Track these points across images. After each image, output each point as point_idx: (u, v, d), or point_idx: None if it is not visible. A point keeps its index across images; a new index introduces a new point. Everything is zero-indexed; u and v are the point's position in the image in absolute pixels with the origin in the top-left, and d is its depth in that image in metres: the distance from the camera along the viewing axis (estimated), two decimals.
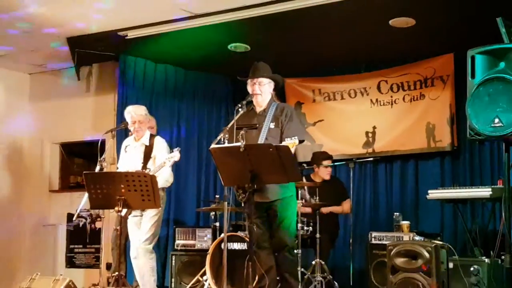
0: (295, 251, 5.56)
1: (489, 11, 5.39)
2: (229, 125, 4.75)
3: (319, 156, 7.02)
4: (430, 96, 7.30)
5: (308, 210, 6.54)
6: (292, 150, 4.46)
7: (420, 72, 7.36)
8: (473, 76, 3.94)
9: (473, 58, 3.94)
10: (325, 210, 6.66)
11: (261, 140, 4.79)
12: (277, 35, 6.76)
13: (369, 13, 6.09)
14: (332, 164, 6.96)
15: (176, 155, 5.47)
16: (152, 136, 5.89)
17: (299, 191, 6.27)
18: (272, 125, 4.84)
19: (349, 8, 5.83)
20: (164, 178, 5.60)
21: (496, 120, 3.80)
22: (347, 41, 6.93)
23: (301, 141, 4.57)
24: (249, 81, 4.96)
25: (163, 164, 5.49)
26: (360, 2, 5.64)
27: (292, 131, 4.68)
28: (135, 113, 5.83)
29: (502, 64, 3.84)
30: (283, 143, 4.48)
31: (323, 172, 6.86)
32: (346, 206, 6.92)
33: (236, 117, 4.81)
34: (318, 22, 6.30)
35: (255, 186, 4.40)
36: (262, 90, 4.92)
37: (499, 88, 3.81)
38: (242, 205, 4.75)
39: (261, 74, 4.94)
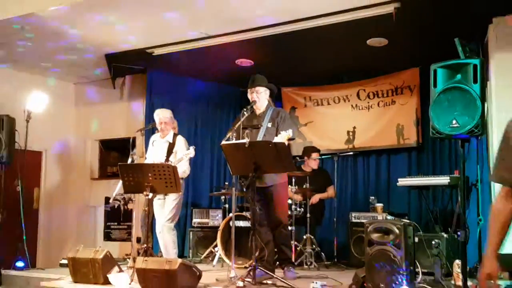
0: (289, 227, 5.59)
1: (448, 33, 5.39)
2: (236, 126, 4.78)
3: (309, 150, 7.01)
4: (400, 102, 7.29)
5: (300, 198, 6.50)
6: (286, 142, 4.47)
7: (392, 83, 7.35)
8: (435, 85, 3.92)
9: (435, 71, 3.92)
10: (314, 200, 6.65)
11: (260, 137, 4.84)
12: (276, 53, 6.75)
13: (351, 35, 6.08)
14: (320, 157, 6.95)
15: (191, 152, 5.46)
16: (174, 135, 5.89)
17: (293, 179, 6.28)
18: (269, 125, 4.92)
19: (335, 31, 5.82)
20: (182, 170, 5.59)
21: (454, 122, 3.79)
22: (332, 57, 6.93)
23: (291, 139, 4.57)
24: (248, 90, 5.01)
25: (181, 159, 5.50)
26: (343, 25, 5.62)
27: (286, 128, 4.70)
28: (162, 115, 5.85)
29: (458, 76, 3.82)
30: (279, 135, 4.50)
31: (312, 163, 6.84)
32: (330, 191, 6.92)
33: (242, 119, 4.83)
34: (310, 42, 6.29)
35: (257, 173, 4.45)
36: (259, 97, 4.99)
37: (456, 95, 3.79)
38: (245, 190, 4.77)
39: (257, 84, 5.02)
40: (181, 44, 6.51)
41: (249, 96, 5.04)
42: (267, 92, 5.06)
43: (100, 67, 7.50)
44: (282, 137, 4.47)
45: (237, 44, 6.33)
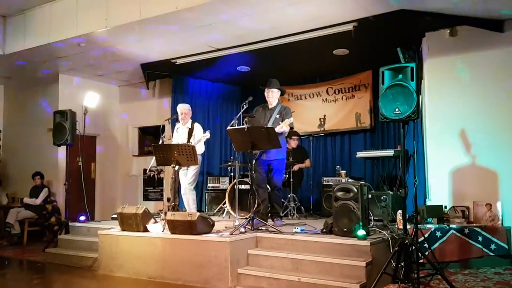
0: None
1: (393, 44, 5.36)
2: (237, 116, 4.78)
3: (290, 134, 6.92)
4: (357, 96, 7.24)
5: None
6: (287, 128, 4.73)
7: (352, 82, 7.29)
8: (383, 83, 3.89)
9: (383, 72, 3.89)
10: (296, 167, 6.65)
11: (270, 123, 4.89)
12: (267, 60, 6.67)
13: (321, 47, 6.03)
14: (299, 137, 6.92)
15: (208, 135, 5.46)
16: (192, 122, 5.84)
17: None
18: (277, 116, 4.96)
19: (309, 43, 5.76)
20: (200, 148, 5.59)
21: (397, 110, 3.77)
22: (308, 63, 6.86)
23: (292, 128, 4.87)
24: (266, 89, 5.02)
25: (200, 140, 5.47)
26: (315, 40, 5.57)
27: (288, 117, 4.82)
28: (183, 108, 5.81)
29: (400, 76, 3.79)
30: (284, 121, 4.71)
31: (292, 143, 6.78)
32: (307, 162, 6.90)
33: (241, 111, 4.80)
34: (291, 52, 6.22)
35: (254, 150, 4.51)
36: (273, 95, 5.04)
37: (398, 90, 3.77)
38: (249, 161, 4.78)
39: (273, 86, 5.05)
40: (196, 55, 6.44)
41: (265, 94, 5.09)
42: (279, 92, 5.11)
43: (137, 73, 7.43)
44: (286, 122, 4.68)
45: (238, 55, 6.27)
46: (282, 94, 5.20)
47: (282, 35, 5.64)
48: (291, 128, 4.93)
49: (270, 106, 5.04)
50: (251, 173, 4.68)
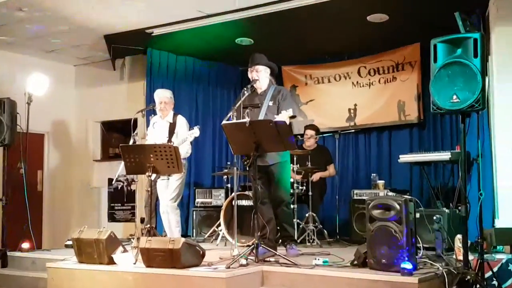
0: (291, 206, 5.60)
1: (449, 7, 5.34)
2: (237, 105, 4.77)
3: (304, 127, 6.99)
4: (400, 78, 7.26)
5: (299, 177, 6.44)
6: (288, 120, 4.48)
7: (393, 59, 7.31)
8: (435, 60, 3.89)
9: (435, 46, 3.89)
10: (315, 178, 6.63)
11: (261, 115, 4.81)
12: (275, 31, 6.69)
13: (350, 11, 6.03)
14: (317, 134, 6.91)
15: (196, 132, 5.39)
16: (175, 115, 5.85)
17: (294, 158, 6.29)
18: (270, 103, 4.89)
19: (333, 7, 5.76)
20: (185, 150, 5.59)
21: (454, 97, 3.77)
22: (333, 34, 6.87)
23: (293, 116, 4.59)
24: (248, 69, 4.97)
25: (185, 139, 5.48)
26: (344, 2, 5.57)
27: (286, 106, 4.72)
28: (162, 95, 5.82)
29: (459, 51, 3.79)
30: (280, 114, 4.51)
31: (309, 141, 6.81)
32: (331, 169, 6.92)
33: (242, 98, 4.81)
34: (309, 19, 6.24)
35: (258, 152, 4.44)
36: (259, 75, 4.95)
37: (456, 70, 3.77)
38: (247, 169, 4.77)
39: (257, 62, 4.97)
40: (180, 23, 6.46)
41: (249, 75, 5.02)
42: (267, 70, 5.03)
43: (99, 48, 7.45)
44: (283, 116, 4.48)
45: (237, 23, 6.28)
46: (274, 73, 5.14)
47: None
48: (292, 117, 4.80)
49: (259, 91, 5.03)
50: (253, 184, 4.68)
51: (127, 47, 7.36)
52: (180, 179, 5.65)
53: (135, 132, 5.53)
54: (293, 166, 6.12)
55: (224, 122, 4.57)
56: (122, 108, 8.02)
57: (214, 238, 6.50)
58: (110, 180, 7.96)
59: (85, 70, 8.50)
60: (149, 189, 4.99)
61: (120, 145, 5.01)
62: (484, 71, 3.76)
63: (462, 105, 3.77)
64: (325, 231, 6.40)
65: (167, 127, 5.79)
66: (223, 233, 6.07)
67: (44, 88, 6.83)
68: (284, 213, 5.00)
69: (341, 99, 7.70)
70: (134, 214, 7.79)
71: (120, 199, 7.96)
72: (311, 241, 6.12)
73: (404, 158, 6.16)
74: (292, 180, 6.02)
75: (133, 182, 7.72)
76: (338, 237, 6.40)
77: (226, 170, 6.90)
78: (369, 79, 7.50)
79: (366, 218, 4.17)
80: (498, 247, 4.81)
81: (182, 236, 5.67)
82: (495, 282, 4.30)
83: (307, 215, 6.28)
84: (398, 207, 3.99)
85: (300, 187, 6.35)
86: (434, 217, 4.89)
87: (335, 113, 7.73)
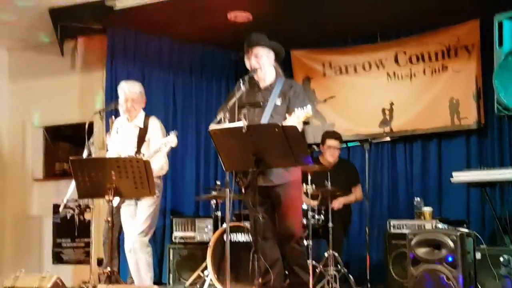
0: (304, 242, 5.58)
1: None
2: (230, 103, 4.72)
3: (324, 136, 6.92)
4: (453, 68, 7.26)
5: (316, 203, 6.40)
6: (301, 124, 4.43)
7: (442, 41, 7.33)
8: (500, 44, 3.92)
9: (500, 24, 3.92)
10: (337, 205, 6.62)
11: (265, 118, 4.75)
12: (282, 3, 6.71)
13: None
14: (342, 144, 6.91)
15: (173, 140, 5.35)
16: (146, 117, 5.84)
17: (309, 176, 6.28)
18: (278, 102, 4.79)
19: None
20: (159, 165, 5.57)
21: None
22: (360, 7, 6.87)
23: (306, 122, 4.55)
24: (245, 55, 4.91)
25: (159, 149, 5.45)
26: None
27: (301, 104, 4.56)
28: (129, 90, 5.78)
29: None
30: (293, 114, 4.42)
31: (327, 153, 6.76)
32: (357, 192, 6.91)
33: (238, 94, 4.78)
34: None
35: (259, 168, 4.41)
36: (260, 62, 4.84)
37: None
38: (244, 191, 4.75)
39: (255, 43, 4.86)
40: None
41: (246, 63, 4.98)
42: (271, 54, 4.95)
43: (42, 26, 7.48)
44: (298, 117, 4.41)
45: None
46: (280, 59, 5.06)
47: None
48: (306, 123, 4.72)
49: (262, 84, 4.99)
50: (251, 213, 4.68)
51: (80, 25, 7.38)
52: (152, 205, 5.65)
53: (91, 140, 5.55)
54: (306, 188, 6.10)
55: (212, 126, 4.56)
56: (73, 108, 8.06)
57: (198, 286, 6.49)
58: (56, 207, 7.96)
59: (22, 56, 8.52)
60: (109, 218, 4.98)
61: (70, 158, 5.00)
62: None
63: None
64: (351, 277, 6.39)
65: (135, 133, 5.79)
66: (211, 280, 6.07)
67: None
68: (295, 252, 4.97)
69: (372, 96, 7.73)
70: (88, 253, 7.77)
71: (70, 232, 7.95)
72: None
73: (459, 176, 6.15)
74: (305, 207, 6.02)
75: (87, 210, 7.72)
76: (369, 285, 6.38)
77: (214, 193, 6.90)
78: (410, 69, 7.52)
79: (407, 259, 4.17)
80: None
81: (155, 283, 5.65)
82: None
83: (326, 254, 6.27)
84: (451, 244, 4.00)
85: (316, 217, 6.34)
86: (501, 258, 4.89)
87: (364, 115, 7.76)
